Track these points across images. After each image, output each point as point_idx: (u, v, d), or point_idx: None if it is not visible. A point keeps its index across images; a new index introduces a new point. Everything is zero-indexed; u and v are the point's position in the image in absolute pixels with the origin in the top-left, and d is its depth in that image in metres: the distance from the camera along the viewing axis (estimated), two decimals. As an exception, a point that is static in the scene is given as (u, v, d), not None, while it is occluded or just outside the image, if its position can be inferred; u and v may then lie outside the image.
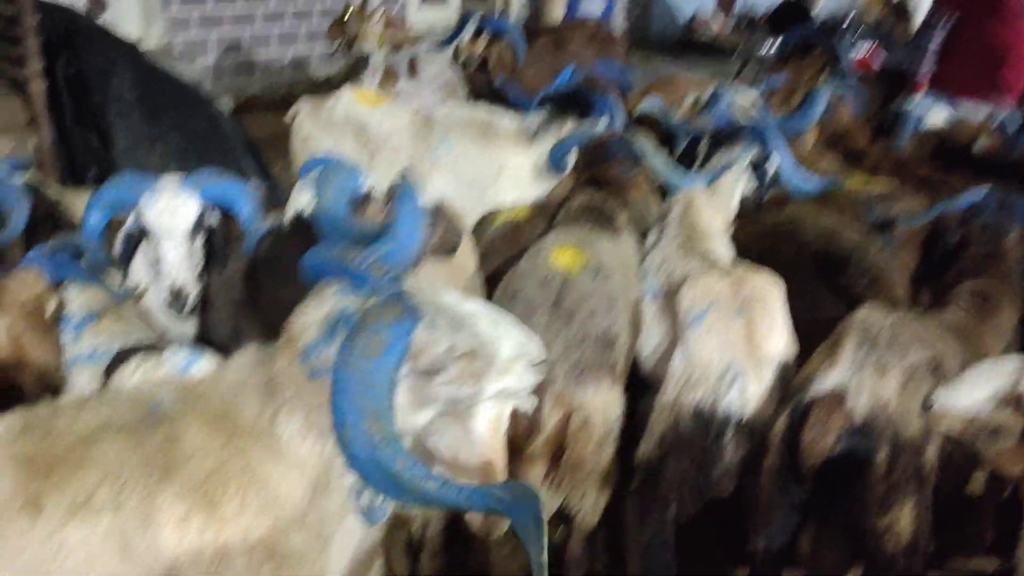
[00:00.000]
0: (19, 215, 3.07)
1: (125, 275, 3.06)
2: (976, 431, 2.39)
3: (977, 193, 3.68)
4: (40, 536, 1.79)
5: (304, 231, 3.02)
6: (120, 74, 5.24)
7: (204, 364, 2.63)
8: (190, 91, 5.80)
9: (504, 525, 2.06)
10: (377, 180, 3.78)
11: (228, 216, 3.11)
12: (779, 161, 4.12)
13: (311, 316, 1.91)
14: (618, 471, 3.13)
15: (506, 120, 4.82)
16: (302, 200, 3.14)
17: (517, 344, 1.90)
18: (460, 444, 1.92)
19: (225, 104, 7.79)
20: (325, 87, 9.61)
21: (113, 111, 5.16)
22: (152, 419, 1.92)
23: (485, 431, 1.92)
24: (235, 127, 5.79)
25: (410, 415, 1.87)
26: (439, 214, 3.04)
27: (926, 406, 2.43)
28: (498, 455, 1.95)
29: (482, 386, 1.85)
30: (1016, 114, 5.43)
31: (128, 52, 5.51)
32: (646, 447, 3.12)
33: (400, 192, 2.84)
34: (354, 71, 6.99)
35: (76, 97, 5.15)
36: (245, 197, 3.10)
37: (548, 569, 1.63)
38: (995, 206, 3.60)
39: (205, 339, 3.07)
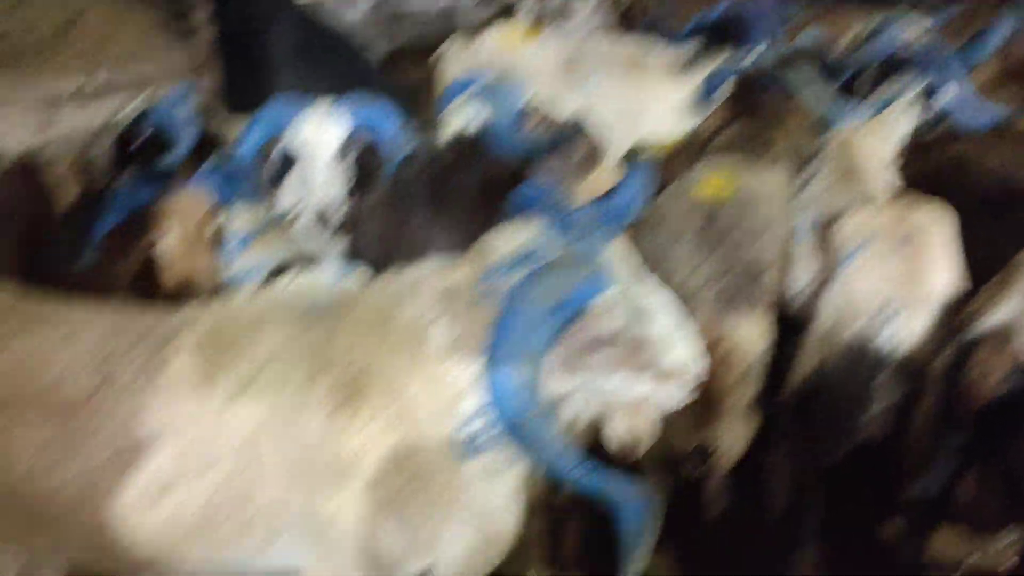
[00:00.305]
0: (187, 139, 3.26)
1: (279, 197, 3.20)
2: None
3: None
4: (211, 411, 1.93)
5: (465, 149, 3.05)
6: (280, 25, 5.46)
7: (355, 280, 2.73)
8: (343, 42, 5.98)
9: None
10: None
11: (375, 140, 3.19)
12: (951, 93, 3.82)
13: (504, 241, 1.92)
14: (763, 409, 3.04)
15: (657, 53, 4.71)
16: (461, 118, 3.18)
17: (685, 357, 1.86)
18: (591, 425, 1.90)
19: (375, 55, 7.98)
20: (474, 35, 9.73)
21: (273, 60, 5.38)
22: (316, 313, 2.01)
23: (619, 428, 1.88)
24: (385, 77, 5.93)
25: (556, 376, 1.84)
26: (578, 129, 3.00)
27: None
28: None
29: (635, 381, 1.82)
30: None
31: (287, 4, 5.72)
32: (793, 385, 3.01)
33: (635, 164, 2.79)
34: (504, 17, 6.99)
35: (239, 46, 5.41)
36: (391, 121, 3.19)
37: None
38: None
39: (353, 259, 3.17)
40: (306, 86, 5.35)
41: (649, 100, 4.56)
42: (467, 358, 1.86)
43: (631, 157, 3.96)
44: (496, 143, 2.92)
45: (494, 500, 1.97)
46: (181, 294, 2.75)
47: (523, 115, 3.10)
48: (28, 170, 3.37)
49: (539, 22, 7.31)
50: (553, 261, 1.77)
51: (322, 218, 3.10)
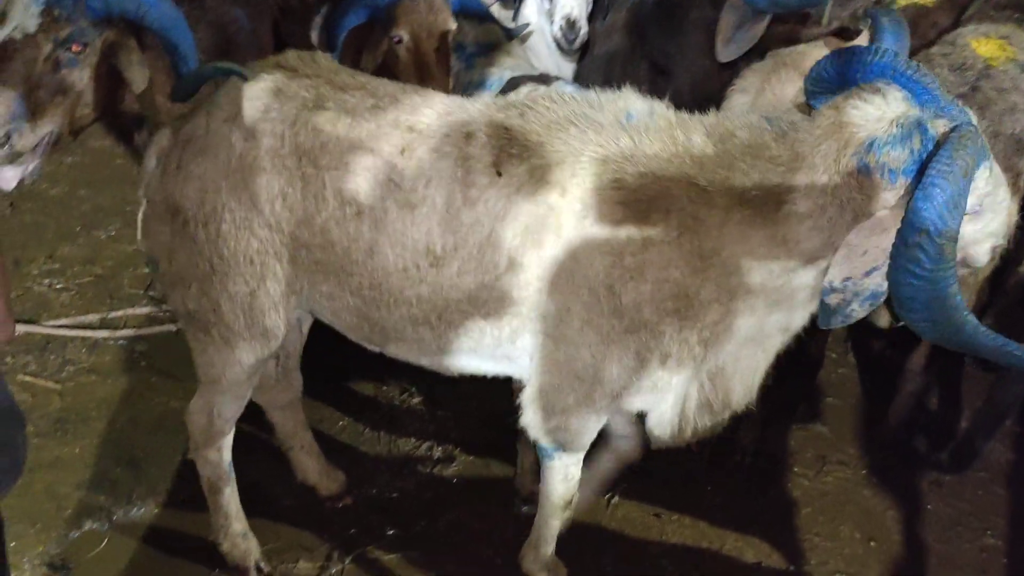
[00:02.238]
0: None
1: (516, 14, 3.16)
2: None
3: None
4: (494, 196, 2.07)
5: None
6: None
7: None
8: None
9: None
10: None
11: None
12: None
13: (878, 111, 1.85)
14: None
15: None
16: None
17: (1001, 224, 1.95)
18: None
19: None
20: None
21: None
22: (621, 126, 2.07)
23: None
24: None
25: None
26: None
27: None
28: None
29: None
30: None
31: None
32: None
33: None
34: None
35: None
36: None
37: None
38: None
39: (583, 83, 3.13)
40: None
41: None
42: (826, 228, 1.92)
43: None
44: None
45: None
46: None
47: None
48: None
49: None
50: (961, 137, 1.75)
51: (570, 27, 3.04)
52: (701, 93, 2.67)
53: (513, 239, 2.07)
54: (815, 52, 2.42)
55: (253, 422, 2.99)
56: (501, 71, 2.90)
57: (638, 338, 2.09)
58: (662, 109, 2.10)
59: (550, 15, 3.13)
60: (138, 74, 2.51)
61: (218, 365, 2.47)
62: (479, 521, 3.02)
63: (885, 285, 1.87)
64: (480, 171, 2.07)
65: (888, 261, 1.82)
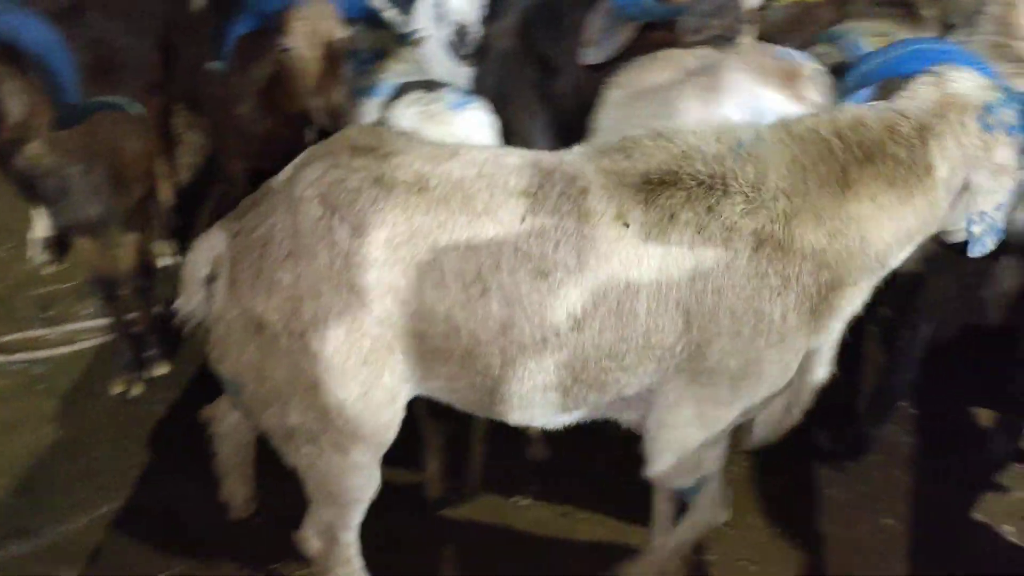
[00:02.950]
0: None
1: (410, 16, 3.15)
2: None
3: None
4: (625, 247, 2.06)
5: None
6: None
7: (476, 107, 2.72)
8: None
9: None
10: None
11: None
12: None
13: (976, 83, 2.15)
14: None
15: None
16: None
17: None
18: None
19: None
20: None
21: None
22: (735, 155, 2.10)
23: None
24: None
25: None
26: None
27: None
28: None
29: None
30: None
31: None
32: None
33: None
34: None
35: None
36: None
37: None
38: None
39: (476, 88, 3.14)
40: None
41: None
42: (958, 173, 2.14)
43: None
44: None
45: None
46: (310, 101, 2.78)
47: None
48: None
49: None
50: None
51: (461, 36, 3.06)
52: (585, 92, 2.72)
53: (646, 282, 2.07)
54: (684, 53, 2.52)
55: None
56: (391, 78, 2.89)
57: (784, 346, 2.15)
58: (765, 129, 2.17)
59: (441, 20, 3.13)
60: (15, 103, 2.39)
61: (333, 476, 2.32)
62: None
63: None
64: (606, 224, 2.06)
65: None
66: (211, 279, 2.19)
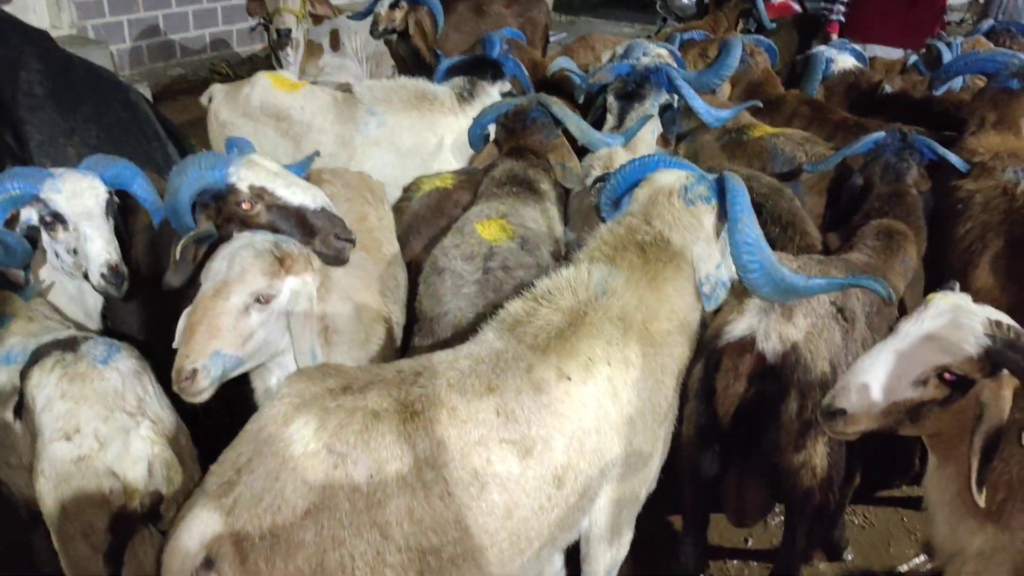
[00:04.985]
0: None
1: (34, 268, 3.03)
2: (896, 418, 2.30)
3: (877, 135, 3.79)
4: (574, 394, 2.39)
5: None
6: (29, 67, 5.08)
7: (123, 356, 2.65)
8: (105, 79, 5.64)
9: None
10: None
11: (133, 197, 3.15)
12: (688, 100, 4.19)
13: (672, 175, 2.74)
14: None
15: (438, 87, 4.81)
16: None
17: None
18: None
19: (144, 89, 7.63)
20: (247, 65, 9.49)
21: (24, 106, 5.00)
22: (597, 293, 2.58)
23: None
24: (154, 113, 5.68)
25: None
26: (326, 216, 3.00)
27: (831, 412, 2.31)
28: None
29: None
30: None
31: (37, 42, 5.34)
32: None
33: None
34: (276, 47, 6.88)
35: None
36: (140, 178, 3.13)
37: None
38: (896, 146, 3.71)
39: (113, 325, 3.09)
40: (65, 133, 5.10)
41: (440, 134, 4.66)
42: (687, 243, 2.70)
43: (410, 190, 4.05)
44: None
45: None
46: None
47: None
48: None
49: (312, 51, 7.27)
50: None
51: (114, 272, 2.98)
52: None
53: (597, 418, 2.43)
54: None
55: None
56: (24, 340, 2.74)
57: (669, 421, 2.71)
58: (596, 264, 2.63)
59: (77, 270, 3.05)
60: None
61: None
62: None
63: (728, 273, 2.71)
64: (554, 385, 2.38)
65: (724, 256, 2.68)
66: (208, 564, 2.07)
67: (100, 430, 2.48)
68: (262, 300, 2.56)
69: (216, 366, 2.47)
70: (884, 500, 4.08)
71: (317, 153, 3.91)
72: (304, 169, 3.52)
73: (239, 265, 2.55)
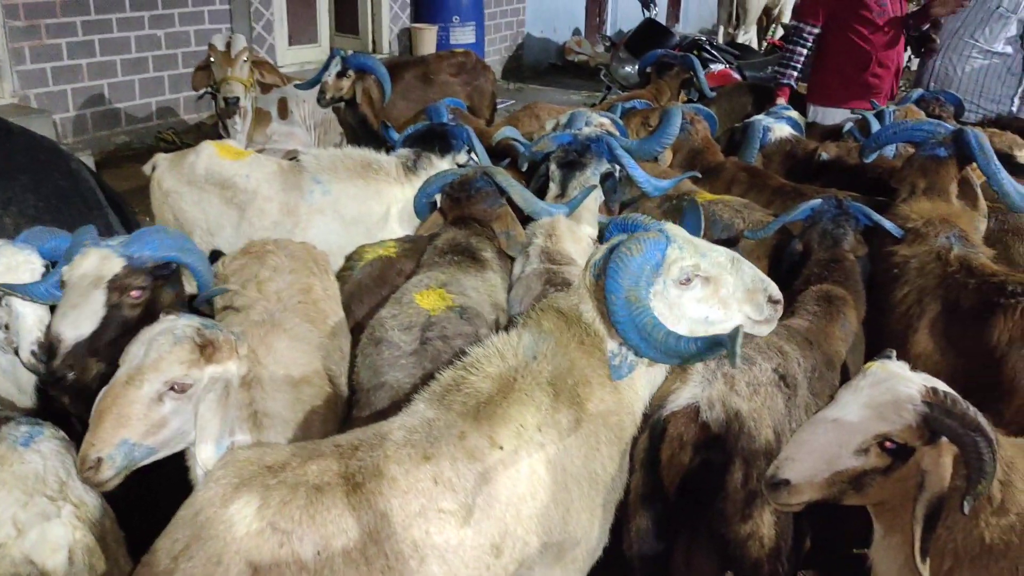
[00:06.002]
0: None
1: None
2: (840, 487, 2.31)
3: (815, 201, 3.87)
4: (504, 462, 2.37)
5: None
6: (-35, 137, 5.01)
7: (46, 436, 2.55)
8: (45, 148, 5.55)
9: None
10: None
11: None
12: (629, 169, 4.26)
13: (599, 251, 2.64)
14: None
15: (384, 157, 4.82)
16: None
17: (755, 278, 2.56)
18: None
19: (87, 158, 7.54)
20: (194, 133, 9.46)
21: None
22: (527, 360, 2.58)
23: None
24: (96, 182, 5.59)
25: (670, 322, 2.50)
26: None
27: (775, 483, 2.33)
28: None
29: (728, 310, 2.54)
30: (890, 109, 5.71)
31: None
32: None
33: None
34: (224, 116, 6.88)
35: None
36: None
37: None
38: (832, 212, 3.80)
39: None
40: (2, 203, 4.99)
41: (386, 203, 4.66)
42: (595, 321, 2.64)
43: (352, 259, 4.01)
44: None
45: None
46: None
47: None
48: None
49: (259, 119, 7.27)
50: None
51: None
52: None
53: (532, 484, 2.42)
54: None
55: None
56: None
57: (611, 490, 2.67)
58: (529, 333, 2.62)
59: (8, 345, 2.94)
60: None
61: None
62: None
63: None
64: (487, 454, 2.35)
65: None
66: None
67: (19, 516, 2.37)
68: (177, 388, 2.46)
69: (122, 455, 2.38)
70: (839, 562, 4.04)
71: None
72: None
73: (155, 351, 2.46)
